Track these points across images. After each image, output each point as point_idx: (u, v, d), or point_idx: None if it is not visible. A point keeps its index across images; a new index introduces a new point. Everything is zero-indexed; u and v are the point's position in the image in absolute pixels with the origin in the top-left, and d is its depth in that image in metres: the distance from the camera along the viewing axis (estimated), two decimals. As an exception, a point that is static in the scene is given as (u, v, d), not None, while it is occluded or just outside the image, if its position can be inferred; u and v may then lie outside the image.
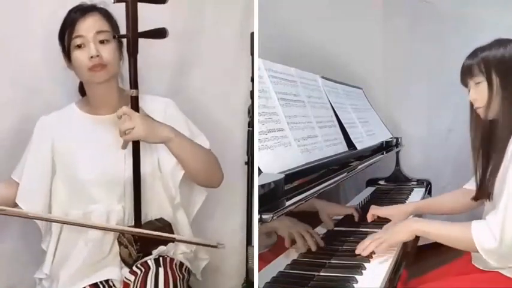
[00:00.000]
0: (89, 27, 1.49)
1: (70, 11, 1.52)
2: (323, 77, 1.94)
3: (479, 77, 1.47)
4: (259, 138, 1.28)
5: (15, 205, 1.52)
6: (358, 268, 1.28)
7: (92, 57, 1.47)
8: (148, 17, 1.50)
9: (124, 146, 1.49)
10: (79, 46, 1.49)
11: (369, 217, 1.67)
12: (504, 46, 1.46)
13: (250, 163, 1.83)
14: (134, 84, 1.48)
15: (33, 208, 1.50)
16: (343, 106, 2.01)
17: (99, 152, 1.55)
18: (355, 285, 1.21)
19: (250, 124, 1.85)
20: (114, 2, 1.46)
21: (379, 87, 2.78)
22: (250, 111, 1.85)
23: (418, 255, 1.58)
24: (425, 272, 1.57)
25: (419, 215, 1.72)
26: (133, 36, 1.47)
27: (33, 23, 1.71)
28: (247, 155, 1.85)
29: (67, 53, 1.52)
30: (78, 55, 1.50)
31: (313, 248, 1.33)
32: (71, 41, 1.50)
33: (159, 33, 1.49)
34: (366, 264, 1.30)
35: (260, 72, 1.45)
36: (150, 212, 1.58)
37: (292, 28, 2.35)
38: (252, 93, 1.81)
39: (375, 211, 1.68)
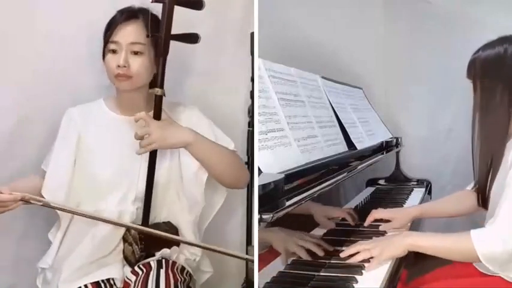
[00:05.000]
0: (125, 35, 1.50)
1: (118, 11, 1.53)
2: (323, 77, 1.94)
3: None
4: (259, 138, 1.28)
5: None
6: (358, 268, 1.28)
7: (119, 66, 1.48)
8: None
9: (140, 152, 1.49)
10: (113, 51, 1.50)
11: (368, 221, 1.63)
12: (497, 45, 1.45)
13: (250, 163, 1.83)
14: (160, 83, 1.51)
15: (54, 198, 1.51)
16: (343, 106, 2.01)
17: (118, 152, 1.56)
18: (355, 285, 1.21)
19: (250, 124, 1.85)
20: (151, 2, 1.48)
21: (379, 87, 2.78)
22: (250, 111, 1.85)
23: (418, 256, 1.57)
24: (426, 272, 1.57)
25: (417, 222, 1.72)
26: (166, 37, 1.50)
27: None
28: (247, 155, 1.85)
29: (103, 53, 1.53)
30: (109, 59, 1.51)
31: (319, 253, 1.30)
32: (107, 43, 1.51)
33: (191, 38, 1.54)
34: (366, 264, 1.30)
35: (260, 72, 1.45)
36: (159, 216, 1.58)
37: (292, 28, 2.35)
38: (252, 93, 1.81)
39: (377, 214, 1.64)
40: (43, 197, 1.50)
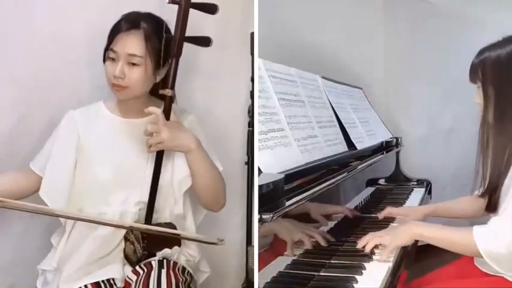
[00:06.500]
0: (124, 46, 1.50)
1: (122, 18, 1.53)
2: (323, 77, 1.94)
3: (479, 81, 1.47)
4: (259, 138, 1.28)
5: (29, 195, 1.53)
6: (358, 268, 1.28)
7: (115, 76, 1.49)
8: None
9: (150, 151, 1.50)
10: (112, 59, 1.51)
11: (382, 215, 1.69)
12: (505, 45, 1.45)
13: (250, 163, 1.83)
14: (172, 84, 1.52)
15: (55, 202, 1.50)
16: (343, 106, 2.01)
17: (119, 154, 1.55)
18: (355, 285, 1.21)
19: (250, 124, 1.85)
20: (168, 3, 1.50)
21: (379, 87, 2.78)
22: (250, 111, 1.85)
23: (418, 256, 1.57)
24: (426, 272, 1.57)
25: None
26: (180, 38, 1.52)
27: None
28: (247, 155, 1.85)
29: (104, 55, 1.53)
30: (107, 66, 1.52)
31: (323, 243, 1.36)
32: (107, 50, 1.52)
33: (204, 41, 1.56)
34: (365, 264, 1.30)
35: (260, 72, 1.45)
36: (161, 217, 1.58)
37: (292, 28, 2.35)
38: (252, 93, 1.81)
39: (391, 210, 1.71)
40: (26, 194, 1.52)
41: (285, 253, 1.28)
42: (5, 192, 1.47)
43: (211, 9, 1.54)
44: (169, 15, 1.56)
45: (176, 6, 1.52)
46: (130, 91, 1.52)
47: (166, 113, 1.51)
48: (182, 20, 1.51)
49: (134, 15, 1.54)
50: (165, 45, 1.52)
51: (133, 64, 1.50)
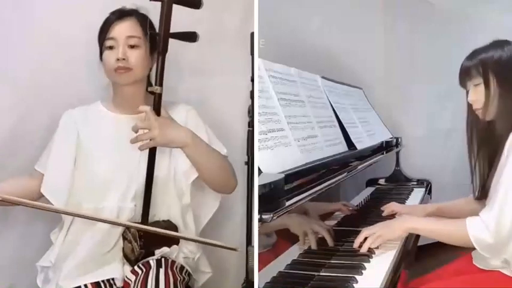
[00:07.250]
0: (121, 31, 1.54)
1: (110, 13, 1.58)
2: (323, 77, 1.94)
3: (477, 78, 1.49)
4: (259, 138, 1.28)
5: (40, 196, 1.54)
6: (358, 268, 1.28)
7: (118, 59, 1.52)
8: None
9: (141, 148, 1.50)
10: (110, 47, 1.54)
11: (386, 211, 1.73)
12: (502, 47, 1.48)
13: (250, 163, 1.83)
14: (160, 81, 1.53)
15: (56, 198, 1.52)
16: (343, 106, 2.01)
17: (116, 150, 1.56)
18: (355, 285, 1.21)
19: (250, 124, 1.85)
20: (150, 0, 1.51)
21: (379, 87, 2.78)
22: (250, 111, 1.85)
23: (418, 255, 1.57)
24: (426, 272, 1.57)
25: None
26: (165, 35, 1.53)
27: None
28: (247, 155, 1.85)
29: (100, 52, 1.57)
30: (107, 55, 1.55)
31: (330, 243, 1.40)
32: (104, 41, 1.55)
33: (189, 37, 1.56)
34: (365, 264, 1.30)
35: (260, 72, 1.45)
36: (158, 213, 1.59)
37: (292, 28, 2.35)
38: (252, 93, 1.81)
39: (395, 207, 1.74)
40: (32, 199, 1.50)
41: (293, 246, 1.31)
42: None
43: (194, 4, 1.54)
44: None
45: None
46: (133, 73, 1.55)
47: (157, 110, 1.51)
48: (166, 16, 1.52)
49: (121, 9, 1.59)
50: (150, 41, 1.55)
51: (133, 47, 1.54)
